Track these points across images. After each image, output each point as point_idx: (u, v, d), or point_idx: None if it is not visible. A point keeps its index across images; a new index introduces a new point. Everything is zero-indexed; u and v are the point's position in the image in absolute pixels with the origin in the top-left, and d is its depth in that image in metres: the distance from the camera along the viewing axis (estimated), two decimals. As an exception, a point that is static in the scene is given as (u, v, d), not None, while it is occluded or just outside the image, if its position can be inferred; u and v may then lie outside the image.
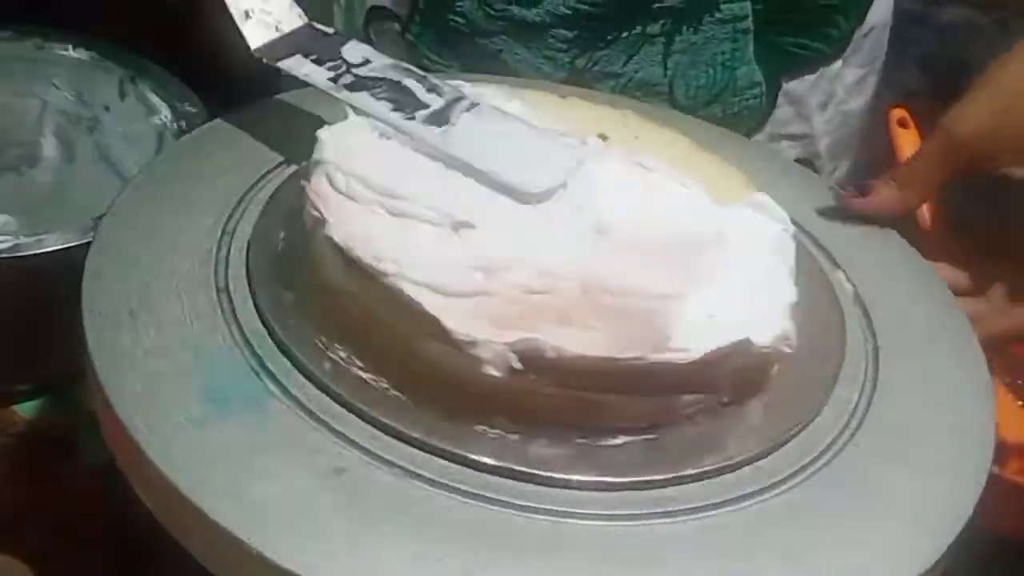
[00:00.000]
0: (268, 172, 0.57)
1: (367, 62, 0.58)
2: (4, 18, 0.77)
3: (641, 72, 0.78)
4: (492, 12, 0.76)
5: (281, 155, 0.58)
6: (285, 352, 0.47)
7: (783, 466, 0.47)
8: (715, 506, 0.45)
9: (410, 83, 0.56)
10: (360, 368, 0.47)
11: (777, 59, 0.80)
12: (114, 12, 0.80)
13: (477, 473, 0.44)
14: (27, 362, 0.65)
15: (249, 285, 0.50)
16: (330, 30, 0.61)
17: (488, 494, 0.44)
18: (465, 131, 0.54)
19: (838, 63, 0.84)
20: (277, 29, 0.60)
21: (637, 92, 0.77)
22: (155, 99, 0.75)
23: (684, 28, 0.77)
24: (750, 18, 0.78)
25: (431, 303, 0.44)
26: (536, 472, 0.44)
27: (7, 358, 0.64)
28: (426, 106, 0.55)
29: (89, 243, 0.52)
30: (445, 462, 0.44)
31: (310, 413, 0.45)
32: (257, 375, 0.47)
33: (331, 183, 0.49)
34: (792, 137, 0.85)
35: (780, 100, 0.83)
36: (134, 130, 0.76)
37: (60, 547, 0.55)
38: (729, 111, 0.79)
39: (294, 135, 0.59)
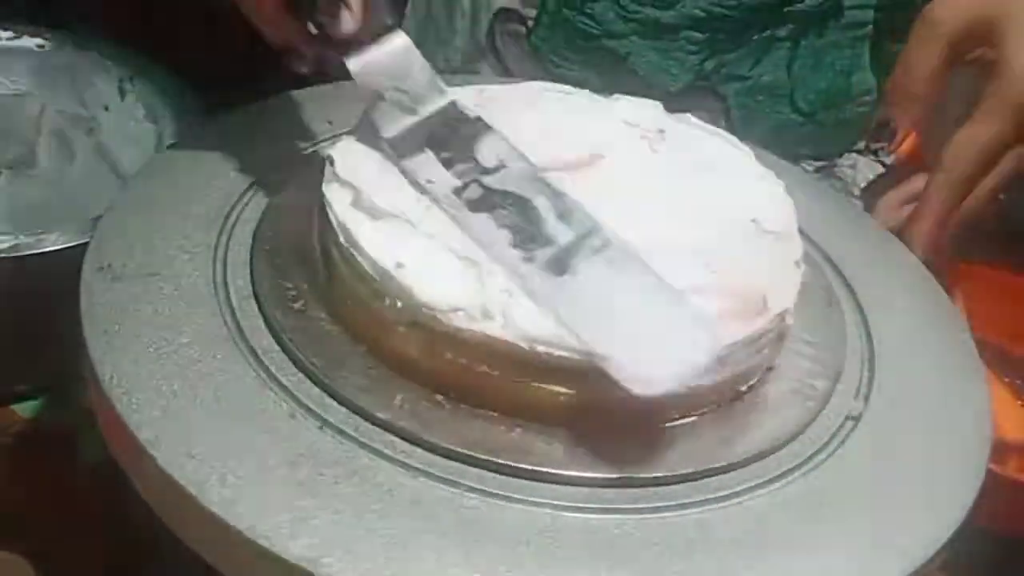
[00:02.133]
0: (266, 173, 0.57)
1: (501, 167, 0.51)
2: (5, 18, 0.77)
3: (766, 76, 0.78)
4: (624, 13, 0.77)
5: (280, 155, 0.58)
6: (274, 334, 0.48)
7: (779, 463, 0.47)
8: (717, 500, 0.45)
9: (541, 203, 0.50)
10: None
11: (887, 67, 0.81)
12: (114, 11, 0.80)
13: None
14: (27, 362, 0.64)
15: (253, 286, 0.51)
16: (472, 113, 0.54)
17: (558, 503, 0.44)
18: (586, 287, 0.47)
19: None
20: (414, 112, 0.53)
21: (760, 96, 0.78)
22: (154, 99, 0.75)
23: (810, 33, 0.78)
24: (870, 25, 0.79)
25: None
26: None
27: (6, 357, 0.64)
28: (551, 241, 0.48)
29: (88, 243, 0.52)
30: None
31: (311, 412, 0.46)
32: (258, 376, 0.47)
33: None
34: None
35: None
36: (133, 130, 0.76)
37: (60, 545, 0.55)
38: (841, 116, 0.80)
39: (293, 135, 0.59)
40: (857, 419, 0.50)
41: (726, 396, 0.49)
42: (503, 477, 0.44)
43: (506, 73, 0.82)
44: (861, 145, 0.83)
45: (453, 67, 0.83)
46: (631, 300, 0.47)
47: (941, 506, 0.47)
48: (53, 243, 0.62)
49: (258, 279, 0.51)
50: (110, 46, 0.78)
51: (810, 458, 0.48)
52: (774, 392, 0.50)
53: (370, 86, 0.52)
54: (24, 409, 0.65)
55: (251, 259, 0.52)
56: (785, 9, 0.78)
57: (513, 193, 0.51)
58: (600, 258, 0.48)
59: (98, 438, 0.47)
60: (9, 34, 0.77)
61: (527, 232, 0.49)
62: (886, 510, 0.46)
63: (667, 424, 0.47)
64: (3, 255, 0.60)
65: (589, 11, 0.78)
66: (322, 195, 0.50)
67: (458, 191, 0.50)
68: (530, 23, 0.80)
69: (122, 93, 0.77)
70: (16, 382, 0.66)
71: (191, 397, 0.45)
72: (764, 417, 0.49)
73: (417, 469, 0.44)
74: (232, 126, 0.60)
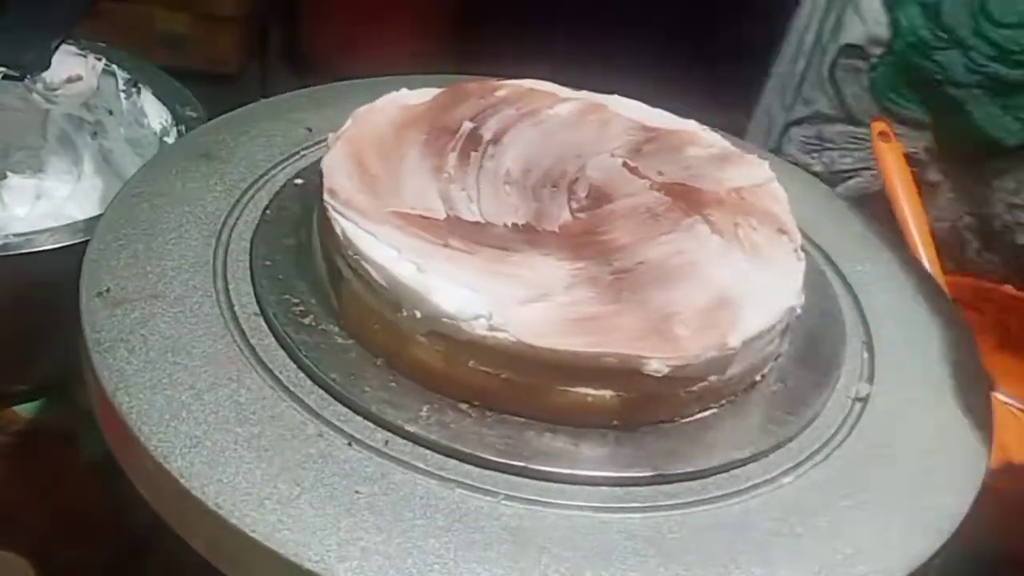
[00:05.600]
0: (264, 173, 0.57)
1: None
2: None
3: None
4: (972, 65, 0.77)
5: (276, 157, 0.58)
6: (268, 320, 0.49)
7: (775, 465, 0.47)
8: (711, 500, 0.45)
9: None
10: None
11: None
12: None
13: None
14: (24, 362, 0.64)
15: (258, 300, 0.51)
16: None
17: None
18: None
19: None
20: None
21: None
22: (157, 103, 0.75)
23: None
24: None
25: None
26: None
27: (3, 358, 0.64)
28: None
29: (80, 243, 0.52)
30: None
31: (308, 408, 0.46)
32: (255, 370, 0.47)
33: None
34: None
35: None
36: (136, 134, 0.77)
37: (59, 543, 0.55)
38: None
39: (291, 136, 0.59)
40: (865, 400, 0.51)
41: (743, 386, 0.49)
42: (539, 482, 0.44)
43: (842, 106, 0.84)
44: None
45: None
46: None
47: (937, 510, 0.47)
48: (43, 243, 0.61)
49: (262, 292, 0.50)
50: (113, 50, 0.78)
51: (806, 460, 0.48)
52: (765, 396, 0.50)
53: None
54: (24, 409, 0.65)
55: (252, 268, 0.52)
56: None
57: None
58: None
59: (98, 438, 0.47)
60: (14, 39, 0.77)
61: None
62: (879, 513, 0.46)
63: (690, 417, 0.48)
64: (-7, 255, 0.60)
65: (937, 58, 0.79)
66: (323, 203, 0.50)
67: None
68: (873, 60, 0.82)
69: (126, 97, 0.77)
70: (14, 382, 0.66)
71: (212, 420, 0.45)
72: (776, 406, 0.50)
73: (453, 481, 0.44)
74: (228, 126, 0.61)
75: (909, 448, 0.49)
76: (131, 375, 0.46)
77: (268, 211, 0.55)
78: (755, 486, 0.46)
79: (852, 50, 0.84)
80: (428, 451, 0.45)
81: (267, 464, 0.43)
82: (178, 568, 0.46)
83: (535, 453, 0.45)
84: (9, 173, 0.81)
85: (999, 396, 0.67)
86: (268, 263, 0.52)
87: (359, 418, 0.46)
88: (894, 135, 0.76)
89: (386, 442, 0.45)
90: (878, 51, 0.83)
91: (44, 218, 0.78)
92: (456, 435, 0.45)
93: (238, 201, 0.55)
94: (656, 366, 0.45)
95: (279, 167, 0.58)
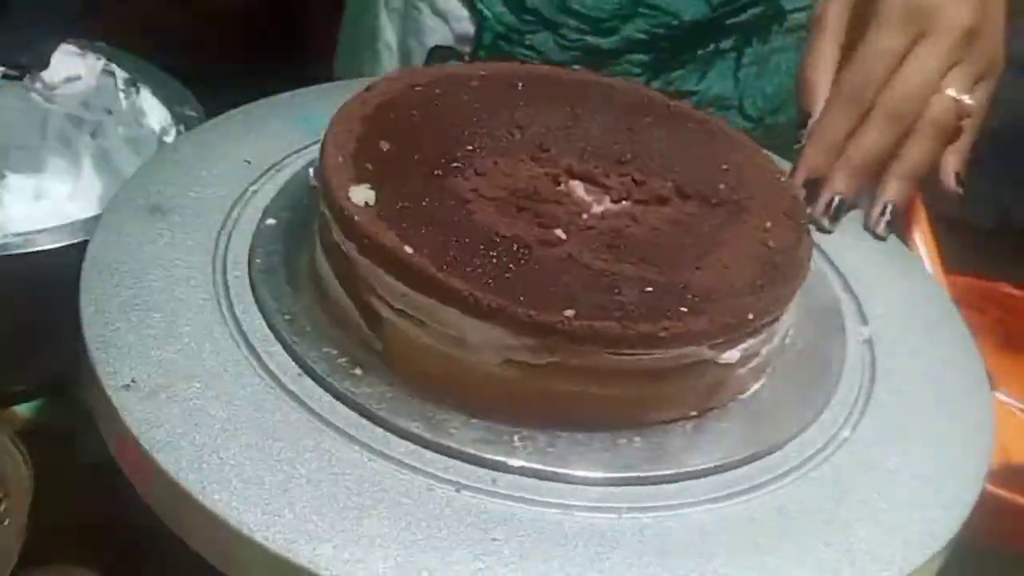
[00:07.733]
0: (263, 174, 0.58)
1: None
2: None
3: (714, 88, 0.79)
4: (565, 43, 0.77)
5: (275, 157, 0.58)
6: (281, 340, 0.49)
7: (774, 466, 0.47)
8: (712, 501, 0.45)
9: None
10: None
11: None
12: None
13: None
14: (23, 362, 0.65)
15: (253, 290, 0.51)
16: None
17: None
18: None
19: None
20: None
21: (710, 108, 0.78)
22: (156, 103, 0.75)
23: (753, 41, 0.78)
24: None
25: None
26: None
27: (2, 358, 0.64)
28: None
29: (79, 243, 0.52)
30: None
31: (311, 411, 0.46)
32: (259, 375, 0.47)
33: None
34: None
35: None
36: (136, 134, 0.77)
37: (59, 544, 0.56)
38: (790, 116, 0.79)
39: (292, 135, 0.59)
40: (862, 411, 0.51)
41: (729, 394, 0.49)
42: (512, 477, 0.45)
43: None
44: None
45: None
46: None
47: (941, 508, 0.47)
48: (42, 243, 0.61)
49: (258, 285, 0.51)
50: (113, 49, 0.78)
51: (807, 460, 0.48)
52: (774, 391, 0.51)
53: None
54: (23, 409, 0.65)
55: (249, 259, 0.52)
56: (727, 22, 0.78)
57: None
58: None
59: (97, 439, 0.47)
60: (15, 38, 0.77)
61: None
62: (879, 514, 0.46)
63: (671, 423, 0.48)
64: (-7, 255, 0.60)
65: (528, 43, 0.78)
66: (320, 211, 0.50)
67: None
68: (466, 57, 0.80)
69: (125, 96, 0.77)
70: (14, 382, 0.66)
71: (203, 411, 0.45)
72: (767, 416, 0.50)
73: (422, 471, 0.44)
74: (226, 126, 0.61)
75: (905, 458, 0.49)
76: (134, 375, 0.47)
77: (273, 201, 0.56)
78: (728, 495, 0.46)
79: (442, 52, 0.82)
80: (420, 448, 0.45)
81: (286, 478, 0.44)
82: (180, 571, 0.46)
83: (508, 449, 0.45)
84: (8, 172, 0.80)
85: (999, 396, 0.67)
86: (262, 257, 0.53)
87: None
88: None
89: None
90: (468, 48, 0.81)
91: (43, 217, 0.78)
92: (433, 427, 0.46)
93: (242, 194, 0.56)
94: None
95: (275, 168, 0.58)
